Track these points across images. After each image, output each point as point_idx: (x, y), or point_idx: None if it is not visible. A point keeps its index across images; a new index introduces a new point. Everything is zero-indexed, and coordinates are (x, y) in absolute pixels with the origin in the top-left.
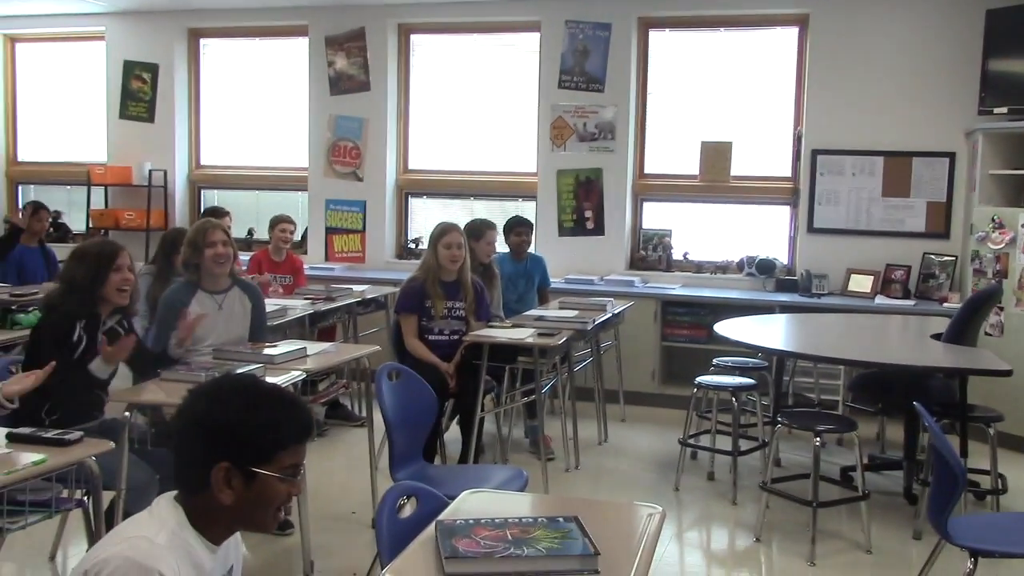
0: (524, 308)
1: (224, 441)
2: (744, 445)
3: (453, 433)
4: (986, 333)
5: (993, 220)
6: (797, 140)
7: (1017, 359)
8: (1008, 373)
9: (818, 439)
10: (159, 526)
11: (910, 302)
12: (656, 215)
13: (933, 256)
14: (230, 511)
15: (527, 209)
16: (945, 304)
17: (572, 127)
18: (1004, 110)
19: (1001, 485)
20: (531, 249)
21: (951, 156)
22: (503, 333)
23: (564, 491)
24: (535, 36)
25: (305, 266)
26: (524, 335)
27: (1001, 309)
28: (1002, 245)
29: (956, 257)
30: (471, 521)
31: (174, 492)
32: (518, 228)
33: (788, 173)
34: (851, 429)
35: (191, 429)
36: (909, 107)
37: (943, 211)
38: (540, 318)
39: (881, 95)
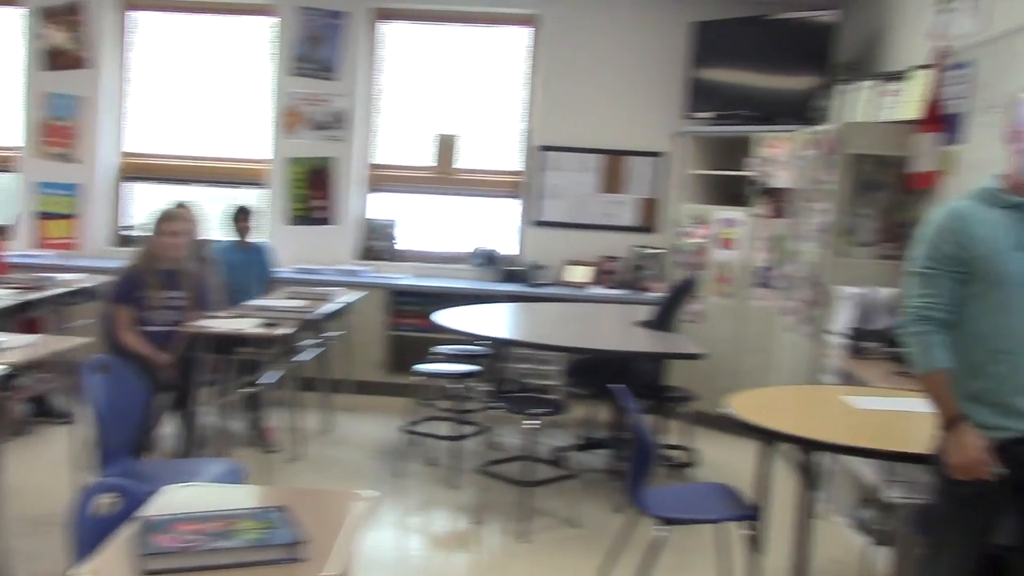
0: (249, 297)
1: None
2: (466, 431)
3: (173, 427)
4: (687, 320)
5: (694, 216)
6: (525, 136)
7: (713, 344)
8: (700, 356)
9: (531, 422)
10: None
11: (622, 292)
12: (388, 205)
13: (642, 248)
14: None
15: (257, 197)
16: (652, 294)
17: (304, 115)
18: (705, 115)
19: (694, 459)
20: (257, 237)
21: (660, 156)
22: (225, 323)
23: (287, 482)
24: (270, 20)
25: (11, 253)
26: (247, 325)
27: (700, 298)
28: (701, 239)
29: (662, 250)
30: (174, 516)
31: None
32: (242, 216)
33: (517, 167)
34: (563, 412)
35: None
36: (625, 109)
37: (652, 207)
38: (265, 308)
39: (601, 97)
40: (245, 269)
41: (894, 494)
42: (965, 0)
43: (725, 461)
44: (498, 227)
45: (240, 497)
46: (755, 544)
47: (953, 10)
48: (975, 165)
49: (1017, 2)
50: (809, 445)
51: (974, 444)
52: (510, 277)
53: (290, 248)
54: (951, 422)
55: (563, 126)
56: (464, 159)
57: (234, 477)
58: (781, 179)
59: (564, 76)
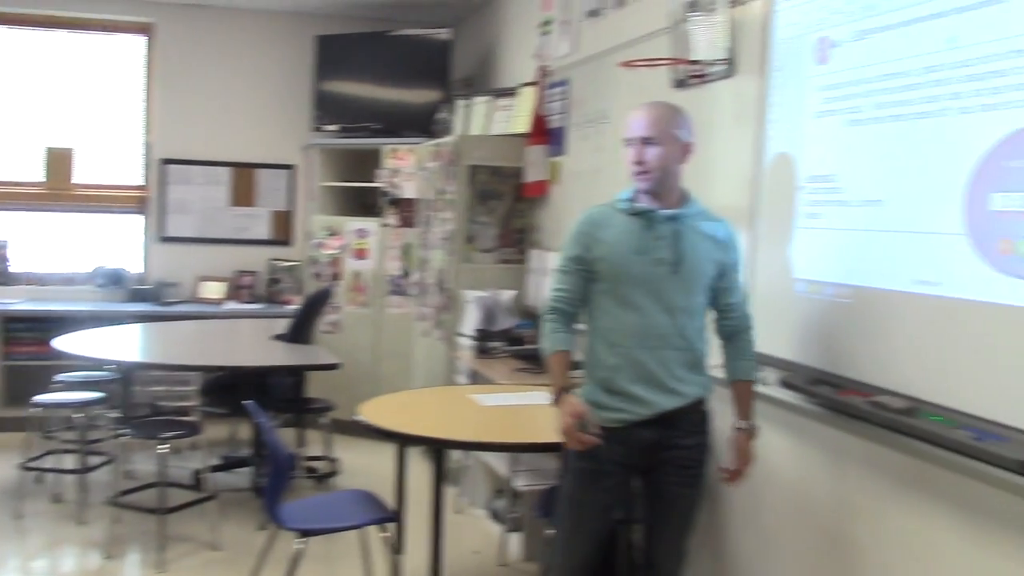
0: None
1: None
2: (94, 462)
3: None
4: (325, 331)
5: (327, 228)
6: (147, 149)
7: (350, 353)
8: (336, 367)
9: (163, 447)
10: None
11: (259, 306)
12: None
13: (278, 262)
14: None
15: None
16: (289, 306)
17: None
18: (333, 128)
19: (337, 468)
20: None
21: (291, 168)
22: None
23: None
24: None
25: None
26: None
27: (337, 308)
28: (336, 250)
29: (298, 262)
30: None
31: None
32: None
33: (139, 182)
34: (198, 433)
35: None
36: (254, 121)
37: (286, 219)
38: None
39: (228, 108)
40: None
41: (520, 483)
42: (559, 24)
43: (369, 467)
44: (122, 245)
45: None
46: (395, 545)
47: (550, 32)
48: (575, 174)
49: (600, 29)
50: (439, 444)
51: (571, 409)
52: (138, 297)
53: None
54: (558, 395)
55: (188, 139)
56: (81, 174)
57: None
58: (408, 190)
59: (185, 87)
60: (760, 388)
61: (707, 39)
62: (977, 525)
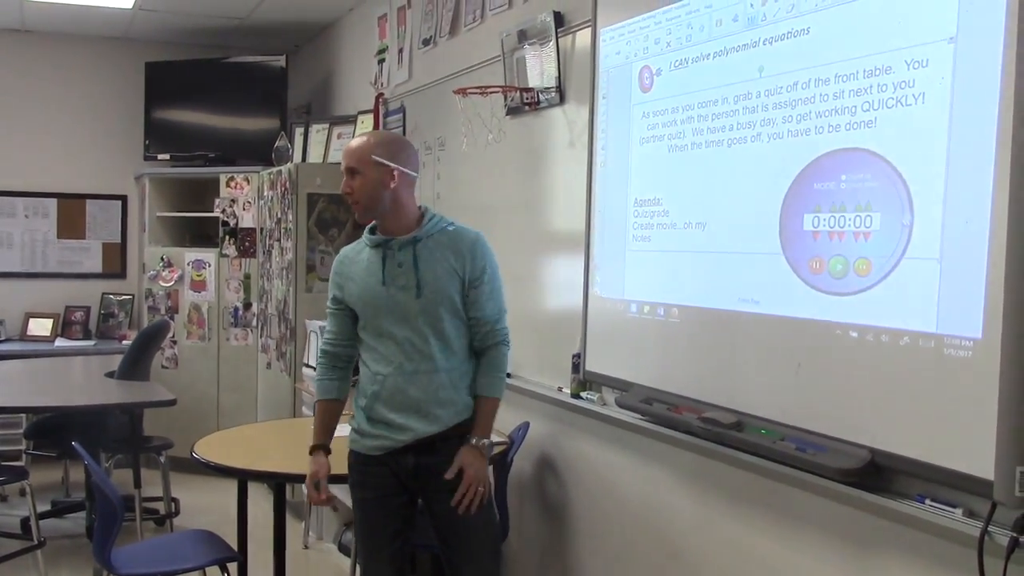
0: None
1: None
2: None
3: None
4: (163, 366)
5: (163, 259)
6: None
7: (189, 388)
8: (172, 403)
9: None
10: None
11: (91, 342)
12: None
13: (111, 296)
14: None
15: None
16: (124, 342)
17: None
18: (166, 156)
19: (175, 508)
20: None
21: (123, 199)
22: None
23: None
24: None
25: None
26: None
27: (175, 342)
28: (172, 283)
29: (133, 296)
30: None
31: None
32: None
33: None
34: (22, 478)
35: None
36: (82, 150)
37: (119, 252)
38: None
39: (53, 138)
40: None
41: None
42: (393, 54)
43: (211, 506)
44: None
45: None
46: None
47: (384, 60)
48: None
49: (434, 57)
50: (278, 478)
51: (313, 468)
52: None
53: None
54: (311, 449)
55: (9, 169)
56: None
57: None
58: (247, 219)
59: (6, 115)
60: (598, 408)
61: (538, 68)
62: (800, 531)
